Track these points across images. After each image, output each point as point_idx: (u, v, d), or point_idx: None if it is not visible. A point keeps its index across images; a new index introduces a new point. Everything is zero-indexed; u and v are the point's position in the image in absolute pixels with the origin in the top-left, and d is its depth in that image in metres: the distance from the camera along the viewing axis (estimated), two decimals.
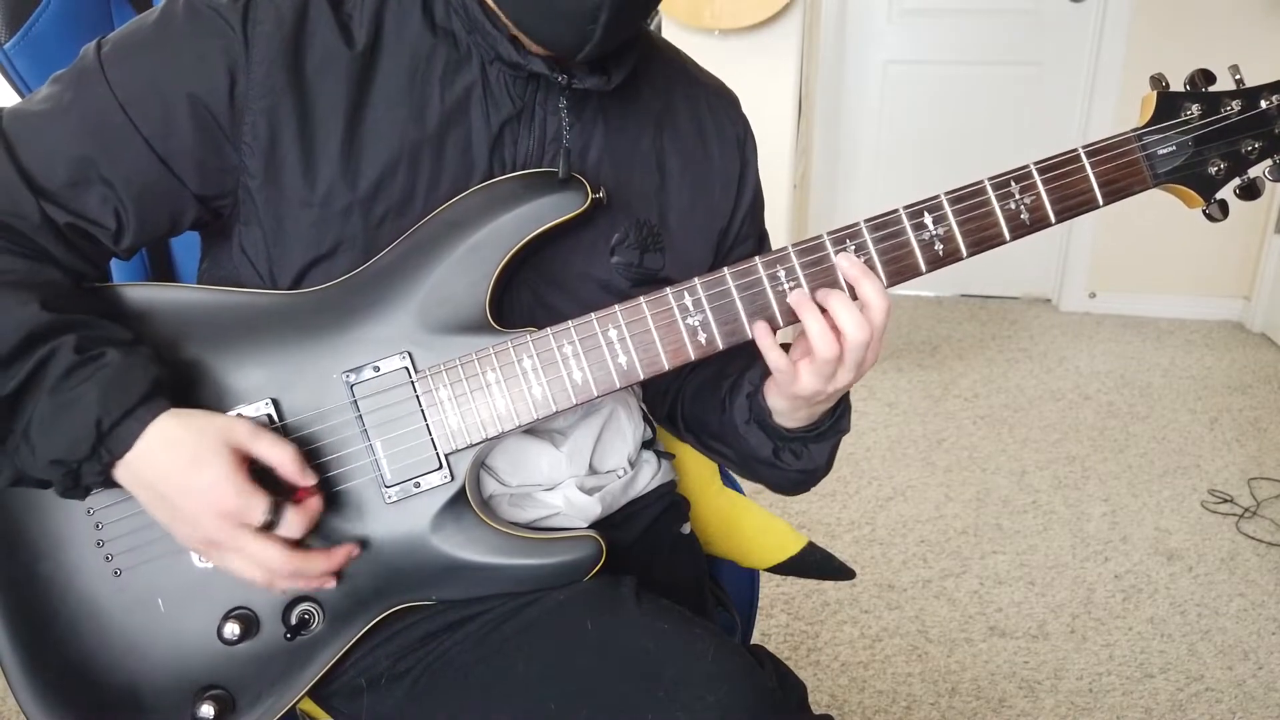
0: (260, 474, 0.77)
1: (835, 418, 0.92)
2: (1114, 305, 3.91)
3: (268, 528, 0.76)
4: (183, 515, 0.75)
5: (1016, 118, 3.80)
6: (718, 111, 1.00)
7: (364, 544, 0.84)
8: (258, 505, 0.75)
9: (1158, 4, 3.48)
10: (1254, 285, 3.68)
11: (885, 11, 3.81)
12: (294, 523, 0.77)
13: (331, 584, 0.83)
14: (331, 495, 0.83)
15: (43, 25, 0.99)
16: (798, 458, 0.93)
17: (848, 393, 0.90)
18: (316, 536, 0.83)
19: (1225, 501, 2.53)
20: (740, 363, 0.96)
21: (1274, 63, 0.90)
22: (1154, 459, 2.76)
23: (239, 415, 0.81)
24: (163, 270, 1.12)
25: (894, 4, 3.79)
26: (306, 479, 0.79)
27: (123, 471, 0.75)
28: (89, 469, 0.73)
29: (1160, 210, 3.48)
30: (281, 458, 0.77)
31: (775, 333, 0.84)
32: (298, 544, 0.79)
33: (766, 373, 0.89)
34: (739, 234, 1.02)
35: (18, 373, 0.72)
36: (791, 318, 0.83)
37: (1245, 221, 3.62)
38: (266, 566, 0.77)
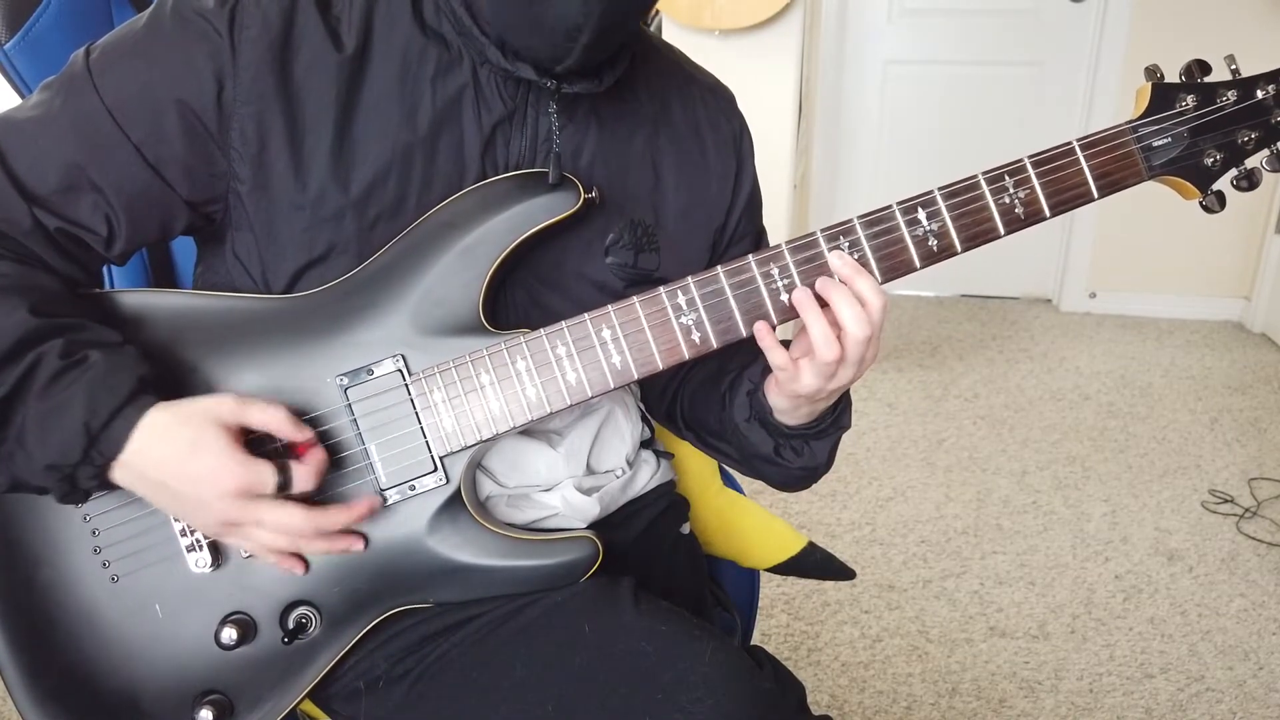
0: (256, 445, 0.77)
1: (836, 414, 0.92)
2: (1114, 305, 3.90)
3: (280, 490, 0.76)
4: (193, 503, 0.75)
5: (1017, 118, 3.79)
6: (713, 109, 1.00)
7: (362, 549, 0.84)
8: (265, 473, 0.75)
9: (1158, 4, 3.47)
10: (1254, 285, 3.68)
11: (885, 11, 3.80)
12: (304, 476, 0.77)
13: (358, 545, 0.83)
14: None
15: (43, 25, 0.99)
16: (799, 455, 0.93)
17: (848, 389, 0.90)
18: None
19: (1225, 502, 2.52)
20: (740, 359, 0.95)
21: (1275, 61, 0.89)
22: (1154, 459, 2.76)
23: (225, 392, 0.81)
24: (163, 274, 1.12)
25: (894, 4, 3.78)
26: (304, 434, 0.79)
27: (121, 472, 0.75)
28: (84, 473, 0.73)
29: (1160, 210, 3.49)
30: (274, 419, 0.77)
31: (774, 330, 0.84)
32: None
33: (767, 370, 0.89)
34: (736, 232, 1.01)
35: (7, 379, 0.72)
36: (786, 315, 0.83)
37: (1245, 221, 3.62)
38: (289, 530, 0.77)
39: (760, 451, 0.94)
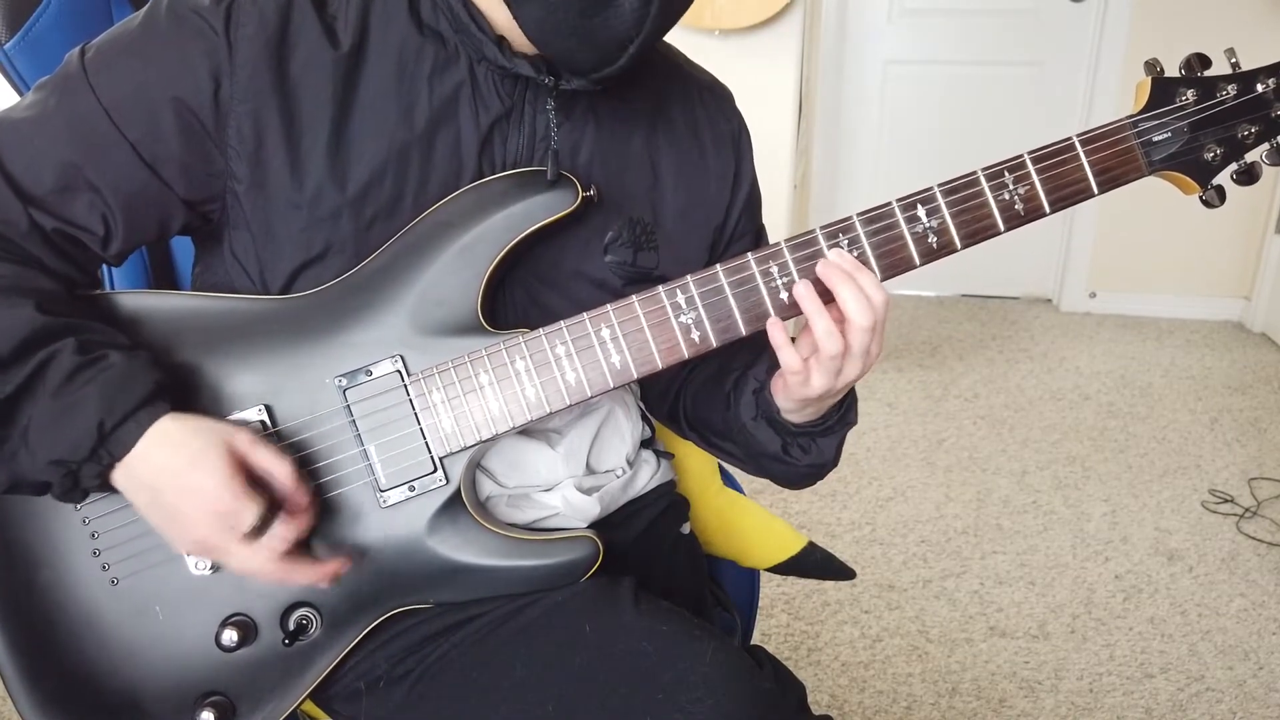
0: (256, 484, 0.77)
1: (843, 411, 0.91)
2: (1114, 305, 3.90)
3: (255, 534, 0.75)
4: (177, 515, 0.75)
5: (1017, 118, 3.79)
6: (711, 107, 1.00)
7: (361, 548, 0.84)
8: (249, 511, 0.74)
9: (1158, 3, 3.47)
10: (1254, 285, 3.68)
11: (885, 11, 3.80)
12: (280, 536, 0.77)
13: (325, 584, 0.83)
14: (327, 500, 0.83)
15: (43, 25, 0.99)
16: (806, 452, 0.93)
17: (853, 386, 0.90)
18: (313, 540, 0.83)
19: (1225, 501, 2.52)
20: (743, 358, 0.95)
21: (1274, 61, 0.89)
22: (1154, 459, 2.76)
23: (239, 421, 0.81)
24: (163, 274, 1.12)
25: (894, 4, 3.79)
26: (300, 495, 0.78)
27: (120, 474, 0.75)
28: (88, 470, 0.73)
29: (1161, 210, 3.50)
30: (279, 470, 0.77)
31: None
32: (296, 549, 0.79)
33: (772, 369, 0.89)
34: (735, 231, 1.01)
35: (15, 376, 0.72)
36: (786, 314, 0.83)
37: (1245, 221, 3.62)
38: (250, 572, 0.77)
39: (768, 450, 0.93)
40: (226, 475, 0.74)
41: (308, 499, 0.79)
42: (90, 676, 0.83)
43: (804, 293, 0.81)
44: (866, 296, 0.80)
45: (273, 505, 0.76)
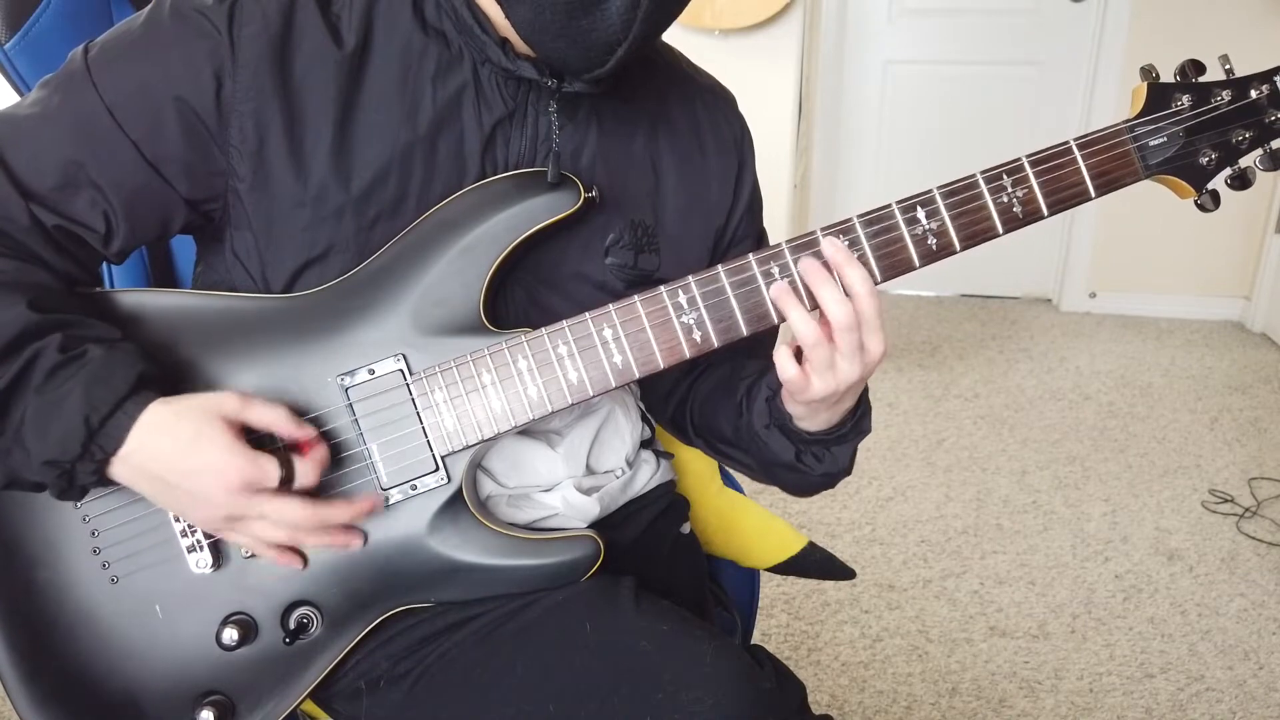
0: (256, 443, 0.77)
1: (856, 418, 0.90)
2: (1114, 305, 3.90)
3: (283, 485, 0.76)
4: (195, 498, 0.75)
5: (1017, 118, 3.79)
6: (714, 111, 1.00)
7: (361, 547, 0.84)
8: (269, 466, 0.75)
9: (1157, 4, 3.48)
10: (1254, 285, 3.68)
11: (885, 11, 3.80)
12: (307, 471, 0.77)
13: (358, 543, 0.83)
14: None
15: (43, 25, 0.99)
16: (820, 461, 0.92)
17: (867, 393, 0.89)
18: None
19: (1225, 501, 2.52)
20: (755, 365, 0.95)
21: (1271, 61, 0.90)
22: (1154, 459, 2.76)
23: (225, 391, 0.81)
24: (163, 273, 1.12)
25: (894, 4, 3.79)
26: (305, 431, 0.79)
27: (120, 468, 0.74)
28: (83, 468, 0.73)
29: (1161, 210, 3.49)
30: (276, 417, 0.78)
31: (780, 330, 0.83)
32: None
33: None
34: (736, 234, 1.01)
35: (5, 374, 0.72)
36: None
37: (1245, 221, 3.62)
38: (291, 523, 0.77)
39: (781, 459, 0.92)
40: (232, 445, 0.74)
41: (315, 432, 0.80)
42: (89, 675, 0.83)
43: (779, 292, 0.82)
44: (852, 297, 0.79)
45: (285, 455, 0.77)
